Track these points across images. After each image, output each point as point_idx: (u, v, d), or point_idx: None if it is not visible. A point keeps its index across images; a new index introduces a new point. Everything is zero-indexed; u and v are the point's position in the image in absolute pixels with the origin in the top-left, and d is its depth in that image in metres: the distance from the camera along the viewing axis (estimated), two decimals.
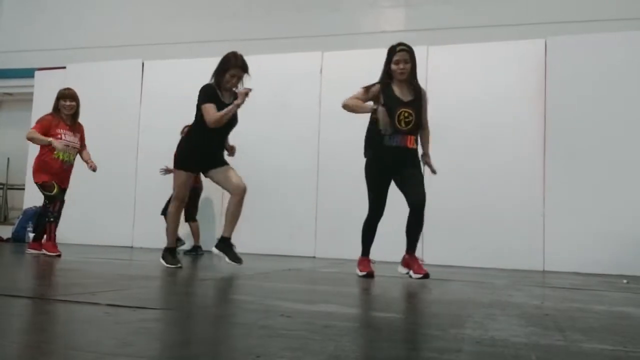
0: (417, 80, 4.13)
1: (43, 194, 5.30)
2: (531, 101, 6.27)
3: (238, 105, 4.19)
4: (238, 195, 4.25)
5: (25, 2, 10.01)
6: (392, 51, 4.07)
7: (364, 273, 4.10)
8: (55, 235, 5.25)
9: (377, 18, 8.23)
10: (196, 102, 4.30)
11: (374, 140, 4.05)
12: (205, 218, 6.85)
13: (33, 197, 7.88)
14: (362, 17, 8.25)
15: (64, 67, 8.15)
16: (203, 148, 4.30)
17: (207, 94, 4.23)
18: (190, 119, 4.51)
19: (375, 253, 4.32)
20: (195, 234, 6.62)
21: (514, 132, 6.28)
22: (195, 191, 6.32)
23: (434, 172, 4.20)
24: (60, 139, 5.23)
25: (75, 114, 5.42)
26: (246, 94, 4.20)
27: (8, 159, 9.64)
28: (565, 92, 6.17)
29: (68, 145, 5.29)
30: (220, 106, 4.19)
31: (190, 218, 6.55)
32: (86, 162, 5.41)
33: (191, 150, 4.34)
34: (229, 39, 8.10)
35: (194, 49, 8.05)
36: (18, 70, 9.38)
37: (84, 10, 9.47)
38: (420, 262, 4.08)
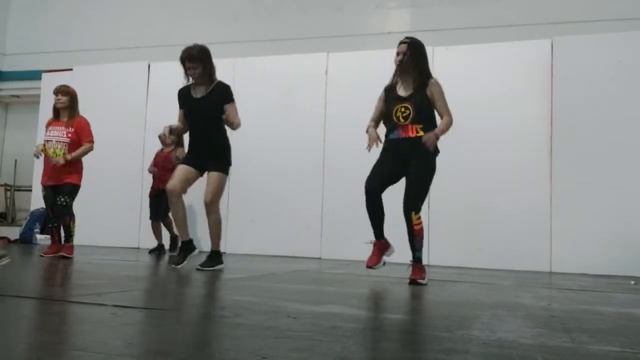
0: (425, 72, 4.00)
1: None
2: (537, 102, 6.25)
3: None
4: (205, 206, 4.42)
5: (33, 5, 10.07)
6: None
7: (367, 267, 3.92)
8: (55, 238, 5.39)
9: (382, 19, 8.22)
10: None
11: (386, 133, 4.08)
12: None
13: (40, 199, 7.93)
14: (367, 18, 8.25)
15: (71, 69, 8.18)
16: (192, 145, 4.56)
17: (178, 99, 4.63)
18: None
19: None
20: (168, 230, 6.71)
21: (520, 133, 6.26)
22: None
23: (427, 149, 3.81)
24: (48, 135, 5.30)
25: (70, 109, 5.32)
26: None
27: (15, 160, 9.70)
28: (572, 92, 6.14)
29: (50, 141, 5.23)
30: (190, 102, 4.50)
31: (165, 215, 6.65)
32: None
33: (188, 147, 4.66)
34: (235, 41, 8.13)
35: None
36: (25, 72, 9.44)
37: (91, 13, 9.52)
38: (411, 266, 3.94)
